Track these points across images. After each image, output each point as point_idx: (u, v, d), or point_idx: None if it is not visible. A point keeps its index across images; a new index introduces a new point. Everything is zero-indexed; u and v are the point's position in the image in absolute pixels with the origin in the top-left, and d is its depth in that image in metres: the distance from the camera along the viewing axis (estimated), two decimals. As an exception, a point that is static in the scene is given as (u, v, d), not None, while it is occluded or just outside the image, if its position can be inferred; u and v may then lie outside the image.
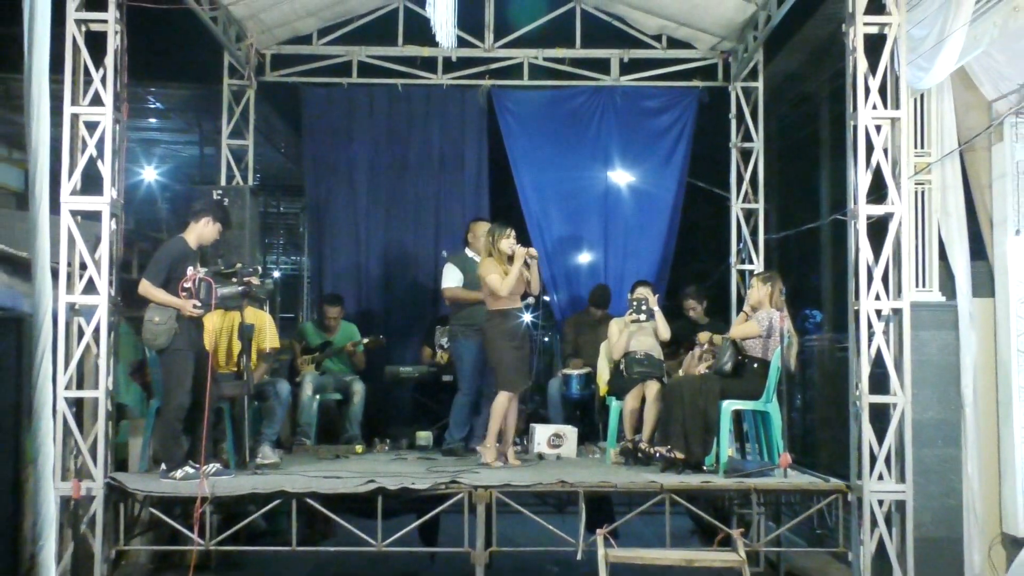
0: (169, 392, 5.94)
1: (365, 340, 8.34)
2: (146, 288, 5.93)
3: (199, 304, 5.91)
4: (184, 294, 5.91)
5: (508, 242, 6.73)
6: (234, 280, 6.17)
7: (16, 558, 5.03)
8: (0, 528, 5.02)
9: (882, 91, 5.90)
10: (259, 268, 6.48)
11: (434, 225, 9.38)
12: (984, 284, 6.84)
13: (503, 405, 6.68)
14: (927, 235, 6.85)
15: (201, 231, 6.16)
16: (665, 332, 7.28)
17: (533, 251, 6.80)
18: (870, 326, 5.81)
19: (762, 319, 6.46)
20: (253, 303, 6.76)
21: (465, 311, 7.37)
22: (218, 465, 6.06)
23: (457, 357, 7.50)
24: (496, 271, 6.68)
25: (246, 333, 6.50)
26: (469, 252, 7.68)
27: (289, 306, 15.00)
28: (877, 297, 5.82)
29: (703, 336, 7.21)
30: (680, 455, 6.28)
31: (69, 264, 5.85)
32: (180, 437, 5.95)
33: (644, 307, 7.13)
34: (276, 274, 15.05)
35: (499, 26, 8.92)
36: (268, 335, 7.11)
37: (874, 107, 5.87)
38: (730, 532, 5.94)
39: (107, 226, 5.88)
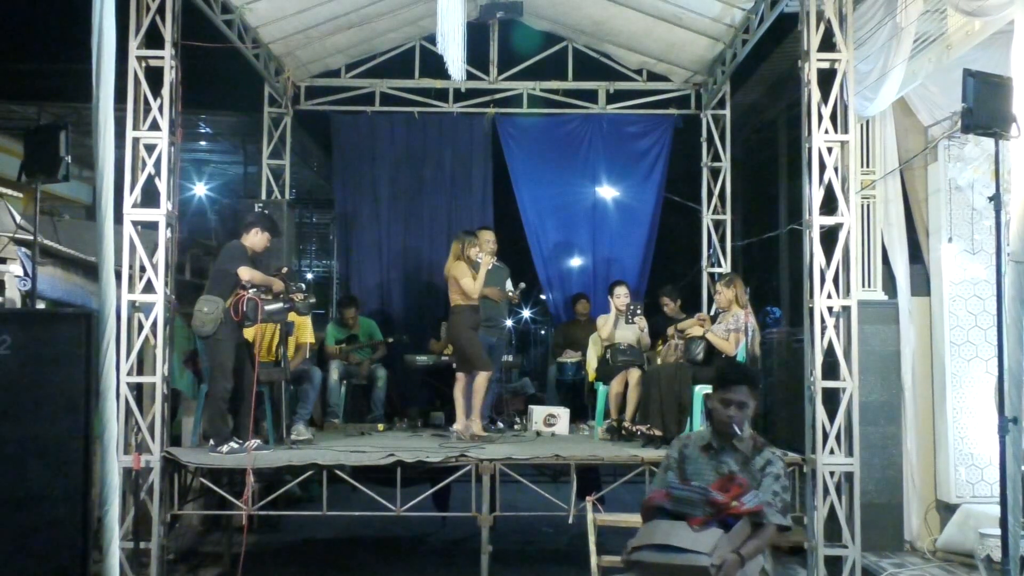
0: (214, 376, 5.92)
1: (373, 342, 8.26)
2: (249, 273, 5.92)
3: (250, 318, 5.89)
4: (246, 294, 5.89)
5: (475, 251, 6.74)
6: (281, 297, 6.13)
7: (86, 520, 5.03)
8: (72, 495, 5.01)
9: (833, 118, 5.88)
10: (303, 285, 6.45)
11: (446, 234, 9.32)
12: (921, 285, 6.83)
13: (483, 384, 6.68)
14: (872, 242, 6.85)
15: (253, 240, 6.14)
16: (647, 345, 7.32)
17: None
18: (822, 321, 5.79)
19: (736, 333, 6.36)
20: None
21: (471, 307, 7.33)
22: (259, 441, 6.05)
23: (465, 347, 7.47)
24: (469, 275, 6.68)
25: (286, 329, 6.49)
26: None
27: (320, 303, 14.99)
28: (829, 296, 5.80)
29: (671, 331, 7.21)
30: (658, 432, 6.26)
31: (130, 267, 5.84)
32: (226, 416, 5.93)
33: (631, 309, 7.15)
34: (309, 276, 15.05)
35: (502, 62, 8.95)
36: (306, 331, 7.11)
37: (826, 132, 5.86)
38: (701, 499, 5.91)
39: (163, 234, 5.86)
